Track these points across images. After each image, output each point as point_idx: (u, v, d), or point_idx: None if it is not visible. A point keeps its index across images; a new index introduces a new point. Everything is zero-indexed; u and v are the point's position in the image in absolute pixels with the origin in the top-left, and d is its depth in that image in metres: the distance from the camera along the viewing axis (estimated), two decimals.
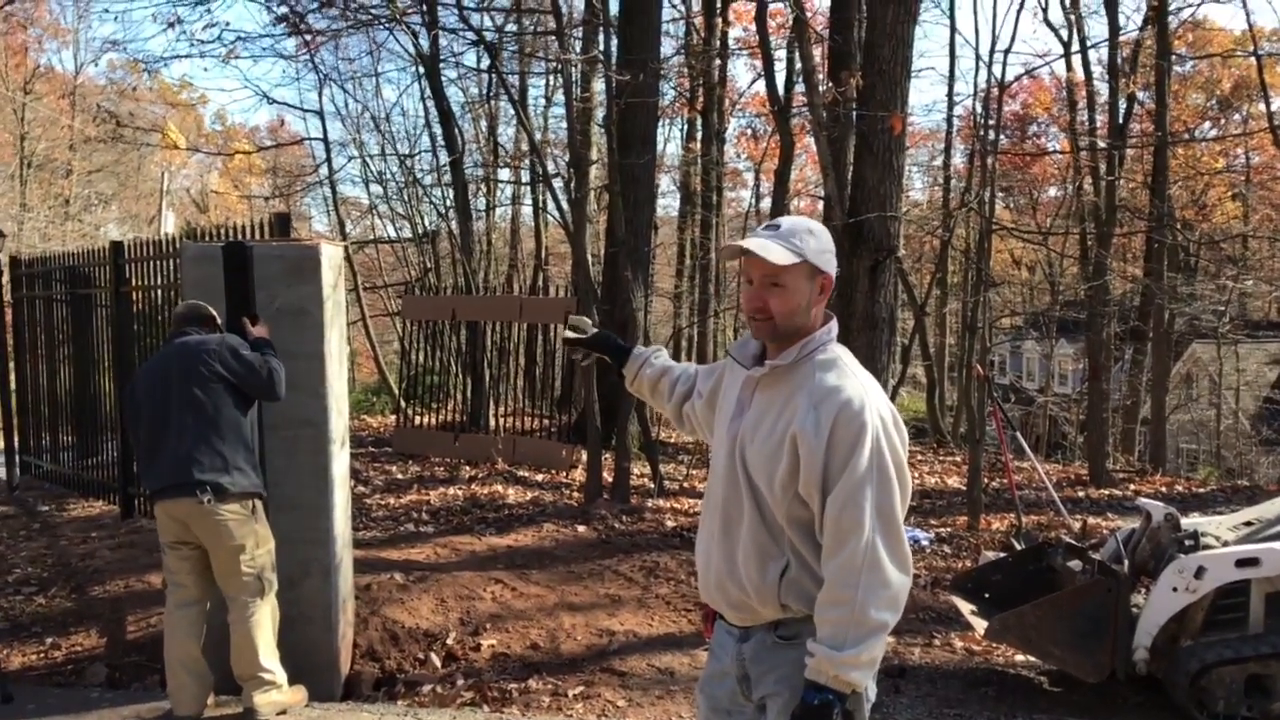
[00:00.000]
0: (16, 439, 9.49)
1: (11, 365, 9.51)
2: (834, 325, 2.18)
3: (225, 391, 4.12)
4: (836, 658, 1.96)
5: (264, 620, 4.19)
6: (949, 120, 18.96)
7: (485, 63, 14.68)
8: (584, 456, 9.84)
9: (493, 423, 11.05)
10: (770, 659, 2.14)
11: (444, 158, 14.14)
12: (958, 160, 23.01)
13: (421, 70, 13.67)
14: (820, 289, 2.15)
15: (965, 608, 5.03)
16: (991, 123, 8.46)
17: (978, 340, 8.56)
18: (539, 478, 9.53)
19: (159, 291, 7.32)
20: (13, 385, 9.53)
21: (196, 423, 4.07)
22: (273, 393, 4.22)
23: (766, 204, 26.20)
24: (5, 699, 4.48)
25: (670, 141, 26.38)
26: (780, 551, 2.10)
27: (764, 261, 2.07)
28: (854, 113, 7.14)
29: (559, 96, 21.42)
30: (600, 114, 11.13)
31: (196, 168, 36.66)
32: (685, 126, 24.23)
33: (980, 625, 4.73)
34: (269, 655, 4.18)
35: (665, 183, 22.64)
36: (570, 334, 2.72)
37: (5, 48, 29.09)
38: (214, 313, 4.37)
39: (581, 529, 7.42)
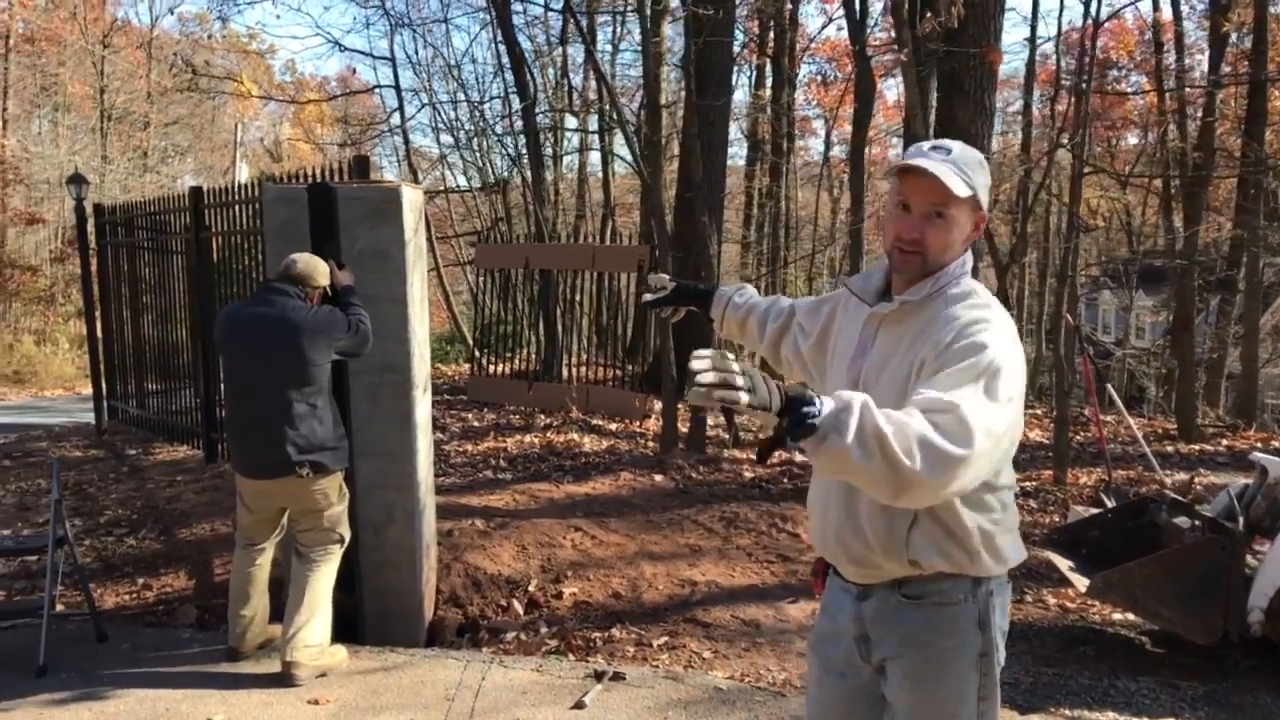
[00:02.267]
0: (104, 384, 9.70)
1: (98, 313, 9.70)
2: (969, 258, 2.00)
3: (325, 370, 4.08)
4: (853, 407, 1.58)
5: (326, 577, 4.16)
6: (1030, 62, 18.19)
7: (557, 3, 14.42)
8: (657, 406, 9.76)
9: (565, 372, 11.01)
10: (894, 619, 2.00)
11: (515, 104, 14.01)
12: (1037, 105, 22.20)
13: (493, 14, 13.48)
14: (975, 226, 1.98)
15: (1063, 564, 4.84)
16: (1086, 60, 8.05)
17: (1067, 288, 8.23)
18: (613, 427, 9.47)
19: (238, 237, 7.35)
20: (99, 332, 9.72)
21: (297, 401, 4.00)
22: (362, 351, 4.20)
23: (837, 151, 25.70)
24: (100, 637, 4.56)
25: (738, 89, 25.90)
26: None
27: (937, 189, 1.88)
28: (943, 50, 6.83)
29: (624, 44, 21.19)
30: (670, 57, 10.86)
31: (268, 119, 37.11)
32: (753, 74, 23.77)
33: (1081, 582, 4.55)
34: (321, 616, 4.12)
35: (732, 131, 22.24)
36: (650, 295, 2.61)
37: (84, 1, 29.49)
38: (326, 283, 4.20)
39: (659, 478, 7.34)
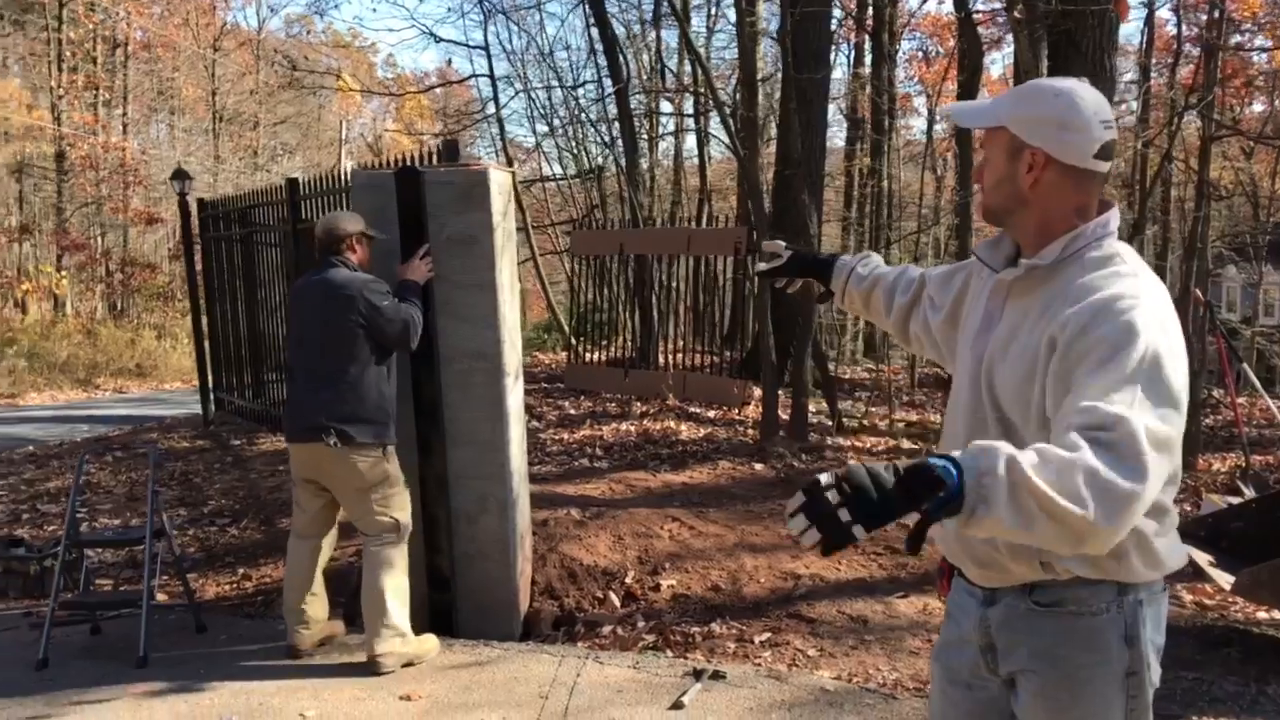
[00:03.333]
0: (210, 376, 9.91)
1: (203, 305, 9.91)
2: (1112, 217, 1.73)
3: (364, 339, 4.03)
4: (996, 468, 1.36)
5: (394, 564, 4.08)
6: (1149, 25, 17.23)
7: None
8: (755, 393, 9.50)
9: (661, 359, 10.84)
10: (1023, 628, 1.76)
11: (609, 88, 13.85)
12: (1154, 74, 21.11)
13: None
14: (1028, 168, 1.70)
15: (1202, 558, 4.45)
16: (1216, 13, 7.50)
17: (1196, 262, 7.70)
18: (710, 414, 9.26)
19: None
20: (204, 325, 9.94)
21: (333, 369, 4.02)
22: (406, 345, 4.13)
23: (940, 129, 24.88)
24: (199, 628, 4.58)
25: (837, 68, 25.36)
26: None
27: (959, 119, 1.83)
28: (1060, 8, 6.40)
29: (718, 26, 20.87)
30: (766, 35, 10.54)
31: (371, 115, 37.93)
32: (852, 52, 23.21)
33: (1224, 578, 4.17)
34: (396, 602, 4.04)
35: (831, 111, 21.80)
36: (764, 265, 2.38)
37: (196, 8, 30.54)
38: (352, 229, 4.19)
39: (759, 467, 7.11)
